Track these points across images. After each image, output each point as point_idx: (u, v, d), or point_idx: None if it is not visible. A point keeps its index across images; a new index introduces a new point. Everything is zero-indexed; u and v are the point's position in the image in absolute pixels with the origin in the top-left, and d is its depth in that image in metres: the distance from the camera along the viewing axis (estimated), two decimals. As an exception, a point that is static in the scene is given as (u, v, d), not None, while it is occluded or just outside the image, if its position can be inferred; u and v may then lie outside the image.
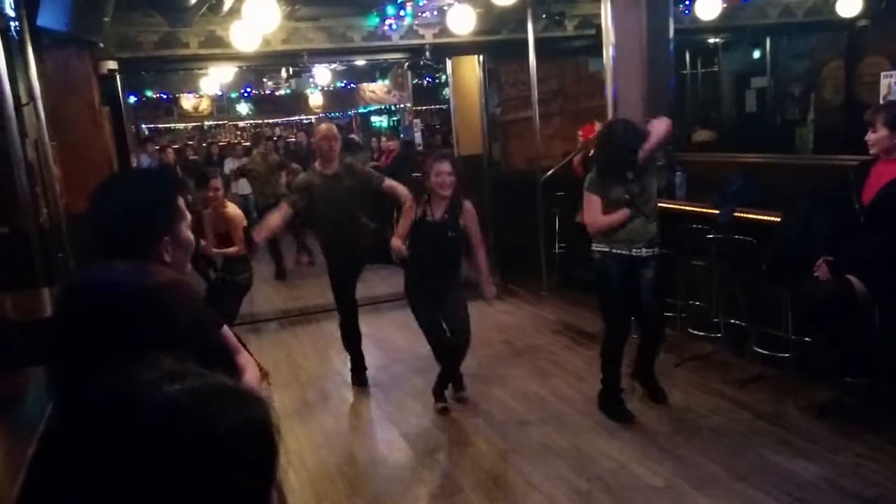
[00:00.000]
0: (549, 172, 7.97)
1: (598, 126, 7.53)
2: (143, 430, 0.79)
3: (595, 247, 4.82)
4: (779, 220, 4.78)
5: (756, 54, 11.43)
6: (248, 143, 16.54)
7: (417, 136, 14.31)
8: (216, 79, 14.18)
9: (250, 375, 2.02)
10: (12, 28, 5.34)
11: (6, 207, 5.04)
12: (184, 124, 18.02)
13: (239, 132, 18.41)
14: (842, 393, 4.73)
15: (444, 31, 8.16)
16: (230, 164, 12.43)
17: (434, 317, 5.07)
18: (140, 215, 1.76)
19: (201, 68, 11.25)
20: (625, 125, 4.80)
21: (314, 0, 7.81)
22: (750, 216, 5.27)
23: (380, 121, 18.43)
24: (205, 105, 17.59)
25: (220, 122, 18.32)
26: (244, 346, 2.33)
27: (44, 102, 5.65)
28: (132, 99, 12.73)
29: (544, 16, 8.17)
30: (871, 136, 4.28)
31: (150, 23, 7.36)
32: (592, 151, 6.03)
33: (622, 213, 4.66)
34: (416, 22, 8.18)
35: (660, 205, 5.72)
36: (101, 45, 6.91)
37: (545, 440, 4.66)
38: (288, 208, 5.60)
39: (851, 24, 9.84)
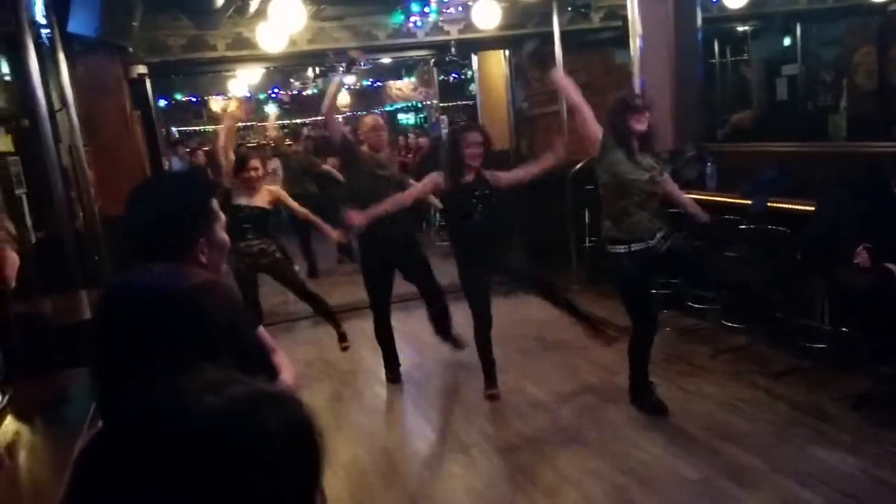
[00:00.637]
0: (578, 166, 7.92)
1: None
2: (187, 442, 0.80)
3: (610, 248, 4.65)
4: (812, 208, 4.73)
5: (786, 41, 11.27)
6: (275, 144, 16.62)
7: (444, 133, 14.30)
8: (244, 80, 14.28)
9: (287, 375, 2.04)
10: (44, 35, 5.43)
11: (43, 212, 5.13)
12: (213, 126, 18.15)
13: (267, 133, 18.50)
14: (878, 383, 4.67)
15: (469, 26, 8.14)
16: (275, 164, 12.33)
17: (483, 281, 5.08)
18: (174, 219, 1.78)
19: (229, 70, 11.35)
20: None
21: (339, -1, 7.86)
22: (783, 206, 5.21)
23: (406, 118, 18.45)
24: (233, 107, 17.72)
25: (249, 124, 18.43)
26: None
27: (76, 108, 5.73)
28: (162, 102, 12.86)
29: (570, 8, 8.13)
30: None
31: (177, 26, 7.45)
32: None
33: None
34: (440, 18, 8.18)
35: (691, 196, 5.70)
36: (131, 49, 7.00)
37: (578, 434, 4.65)
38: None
39: (883, 9, 9.67)
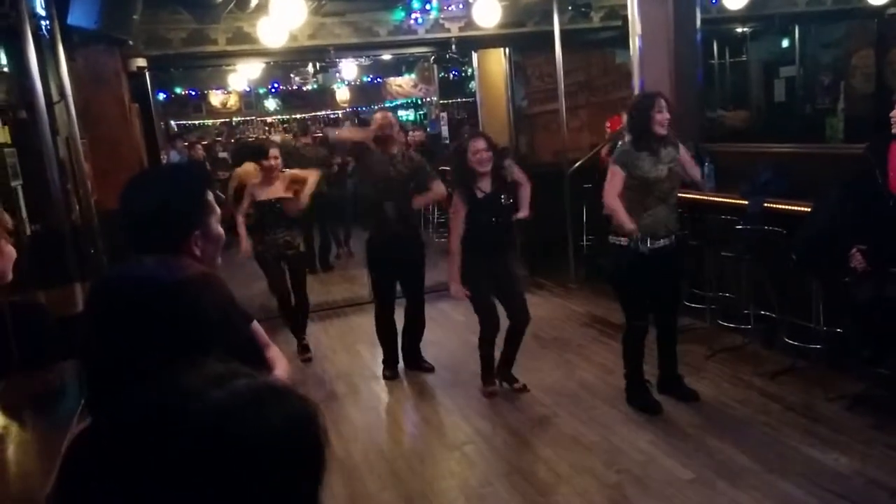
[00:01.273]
0: (577, 164, 7.94)
1: (625, 117, 7.47)
2: (192, 438, 0.80)
3: (612, 239, 4.71)
4: (809, 210, 4.73)
5: (785, 43, 11.29)
6: (277, 138, 16.62)
7: (444, 130, 14.29)
8: (244, 75, 14.26)
9: (281, 370, 2.04)
10: (43, 27, 5.42)
11: (39, 204, 5.12)
12: (212, 120, 18.12)
13: (267, 128, 18.47)
14: (873, 384, 4.67)
15: (469, 24, 8.14)
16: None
17: (491, 298, 5.13)
18: (170, 210, 1.78)
19: (229, 65, 11.34)
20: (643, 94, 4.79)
21: (340, -5, 7.85)
22: (780, 207, 5.22)
23: (406, 115, 18.42)
24: (233, 101, 17.69)
25: (248, 118, 18.40)
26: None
27: (75, 100, 5.71)
28: (161, 96, 12.84)
29: (570, 7, 8.13)
30: (895, 114, 4.26)
31: (178, 20, 7.43)
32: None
33: (629, 224, 4.52)
34: (441, 15, 8.18)
35: (688, 196, 5.70)
36: (131, 42, 6.98)
37: (574, 432, 4.65)
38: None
39: (881, 13, 9.69)
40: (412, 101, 17.76)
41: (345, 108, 18.68)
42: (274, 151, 6.26)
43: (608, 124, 8.25)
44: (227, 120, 18.24)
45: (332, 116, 18.71)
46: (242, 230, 6.11)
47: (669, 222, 4.67)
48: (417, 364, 5.97)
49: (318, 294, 8.65)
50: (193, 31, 7.55)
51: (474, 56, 9.25)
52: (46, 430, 2.55)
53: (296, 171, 6.51)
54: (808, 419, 4.48)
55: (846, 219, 4.30)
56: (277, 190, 6.18)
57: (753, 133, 9.16)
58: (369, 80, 17.03)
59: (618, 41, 8.11)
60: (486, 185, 5.03)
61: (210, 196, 1.90)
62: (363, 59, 13.12)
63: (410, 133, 13.49)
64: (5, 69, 5.19)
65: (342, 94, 17.97)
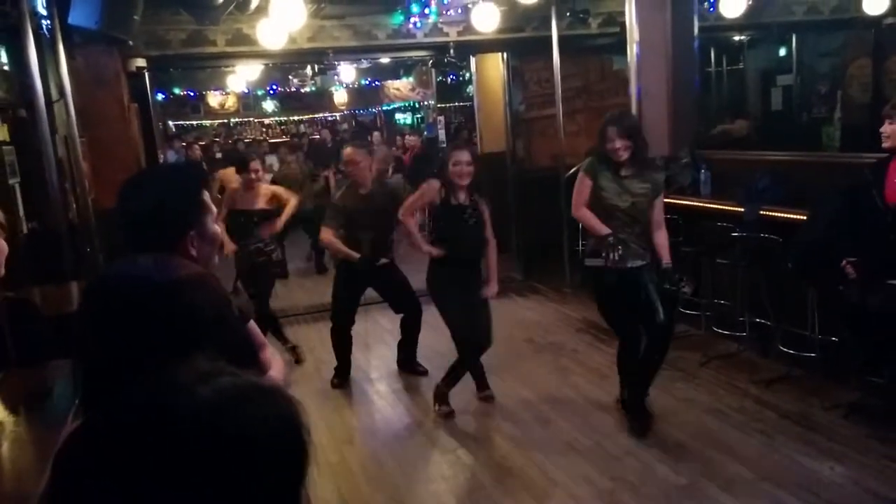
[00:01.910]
0: (573, 170, 7.92)
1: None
2: (179, 434, 0.81)
3: (588, 262, 4.56)
4: (805, 218, 4.75)
5: (782, 52, 11.32)
6: (275, 140, 16.65)
7: (441, 134, 14.32)
8: (243, 76, 14.27)
9: (275, 371, 2.04)
10: (44, 26, 5.42)
11: (37, 203, 5.12)
12: (210, 121, 18.12)
13: (264, 129, 18.48)
14: (868, 393, 4.68)
15: (468, 28, 8.15)
16: (271, 160, 12.25)
17: (461, 311, 4.96)
18: (166, 209, 1.79)
19: (228, 66, 11.34)
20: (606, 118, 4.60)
21: (340, -2, 7.86)
22: (776, 214, 5.23)
23: (404, 118, 18.44)
24: (231, 102, 17.69)
25: (246, 119, 18.41)
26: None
27: (74, 99, 5.71)
28: (160, 96, 12.83)
29: (568, 13, 8.14)
30: (886, 129, 4.27)
31: (178, 21, 7.43)
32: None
33: (603, 229, 4.41)
34: (440, 20, 8.18)
35: (684, 202, 5.71)
36: (131, 42, 6.97)
37: (568, 438, 4.65)
38: (333, 232, 5.59)
39: (878, 22, 9.71)
40: (410, 105, 17.79)
41: (342, 111, 18.71)
42: (255, 164, 6.24)
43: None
44: (225, 121, 18.25)
45: (329, 119, 18.75)
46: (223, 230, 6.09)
47: (636, 245, 4.48)
48: (412, 367, 5.97)
49: (312, 296, 8.67)
50: (193, 32, 7.55)
51: (472, 60, 9.27)
52: (42, 427, 2.55)
53: (278, 191, 6.44)
54: (804, 427, 4.49)
55: (842, 227, 4.31)
56: (258, 202, 6.16)
57: (750, 141, 9.18)
58: (367, 83, 17.06)
59: (615, 47, 8.12)
60: (461, 197, 4.91)
61: (206, 196, 1.90)
62: (362, 62, 13.13)
63: (407, 138, 13.53)
64: (5, 67, 5.19)
65: (340, 96, 18.00)
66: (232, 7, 6.90)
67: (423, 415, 5.25)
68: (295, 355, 6.44)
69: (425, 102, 16.52)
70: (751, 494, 3.83)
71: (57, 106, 5.63)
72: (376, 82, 17.11)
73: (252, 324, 2.14)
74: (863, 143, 7.35)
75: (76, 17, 5.44)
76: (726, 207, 5.74)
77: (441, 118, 14.70)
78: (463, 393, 5.37)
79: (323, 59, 8.49)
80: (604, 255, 4.38)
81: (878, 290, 4.07)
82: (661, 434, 4.58)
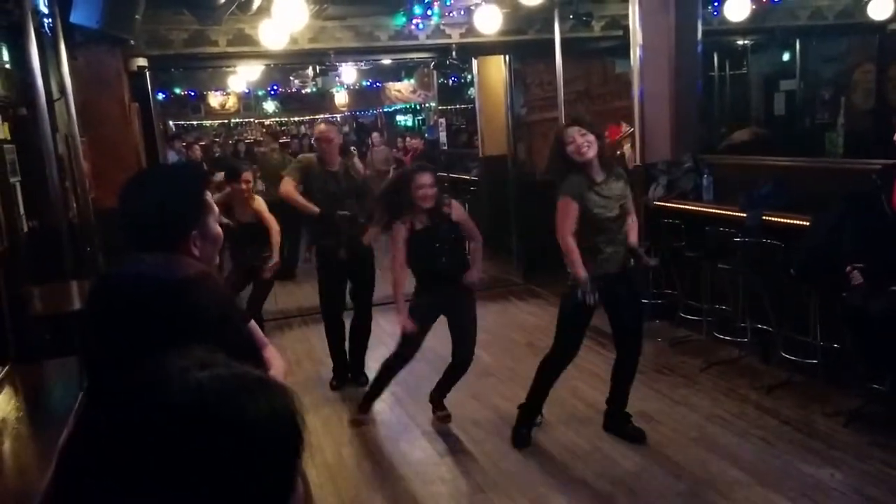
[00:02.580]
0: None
1: (624, 127, 7.49)
2: (172, 416, 0.81)
3: (571, 282, 4.48)
4: (808, 224, 4.74)
5: (785, 57, 11.32)
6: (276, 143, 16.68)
7: (442, 136, 14.33)
8: (243, 76, 14.28)
9: (277, 370, 2.03)
10: (46, 25, 5.42)
11: (37, 201, 5.10)
12: (210, 121, 18.14)
13: (265, 129, 18.50)
14: (869, 400, 4.67)
15: (470, 30, 8.15)
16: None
17: (422, 331, 4.88)
18: (168, 209, 1.79)
19: (229, 66, 11.35)
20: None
21: (342, -1, 7.86)
22: (778, 220, 5.22)
23: (405, 120, 18.47)
24: (232, 102, 17.70)
25: (247, 120, 18.43)
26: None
27: (75, 98, 5.71)
28: (161, 96, 12.83)
29: (571, 16, 8.13)
30: None
31: (180, 21, 7.44)
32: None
33: (582, 272, 4.32)
34: (442, 21, 8.18)
35: (687, 207, 5.69)
36: (132, 42, 6.98)
37: (567, 442, 4.64)
38: (294, 185, 5.66)
39: (883, 28, 9.71)
40: (411, 107, 17.82)
41: (343, 112, 18.72)
42: (246, 175, 6.08)
43: (607, 134, 8.26)
44: (226, 121, 18.28)
45: (330, 120, 18.77)
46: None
47: (620, 257, 4.44)
48: (357, 375, 5.96)
49: (311, 297, 8.64)
50: (195, 32, 7.55)
51: (474, 62, 9.27)
52: (45, 423, 2.54)
53: (264, 213, 6.15)
54: (804, 434, 4.47)
55: (846, 232, 4.31)
56: (248, 214, 6.07)
57: (753, 145, 9.18)
58: (368, 84, 17.07)
59: (618, 50, 8.12)
60: (424, 219, 4.72)
61: (208, 196, 1.90)
62: (363, 64, 13.14)
63: (408, 140, 13.53)
64: (7, 65, 5.18)
65: (341, 97, 18.02)
66: (234, 7, 6.90)
67: (422, 416, 5.23)
68: None
69: (426, 104, 16.53)
70: (750, 500, 3.82)
71: (58, 104, 5.62)
72: (377, 84, 17.12)
73: (252, 323, 2.14)
74: (866, 150, 7.36)
75: (78, 16, 5.45)
76: (728, 213, 5.73)
77: (442, 120, 14.70)
78: (461, 396, 5.36)
79: (324, 59, 8.49)
80: (580, 295, 4.33)
81: (882, 296, 4.06)
82: (660, 439, 4.57)
